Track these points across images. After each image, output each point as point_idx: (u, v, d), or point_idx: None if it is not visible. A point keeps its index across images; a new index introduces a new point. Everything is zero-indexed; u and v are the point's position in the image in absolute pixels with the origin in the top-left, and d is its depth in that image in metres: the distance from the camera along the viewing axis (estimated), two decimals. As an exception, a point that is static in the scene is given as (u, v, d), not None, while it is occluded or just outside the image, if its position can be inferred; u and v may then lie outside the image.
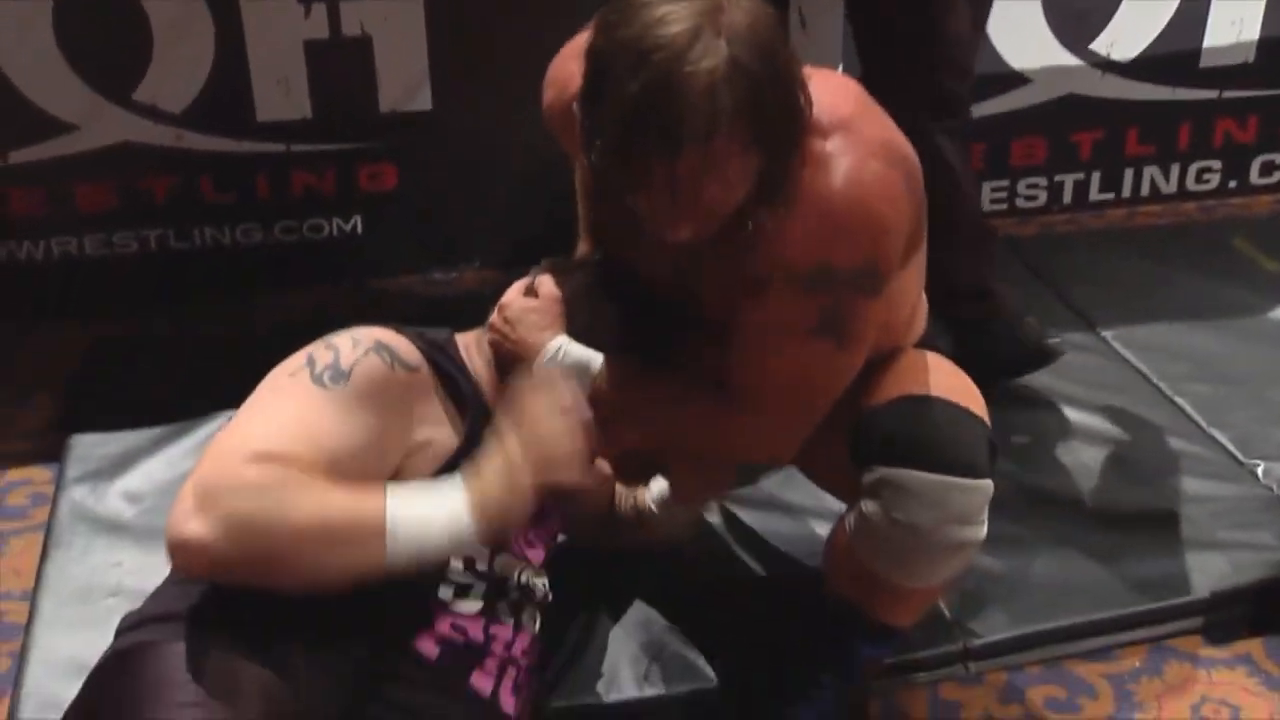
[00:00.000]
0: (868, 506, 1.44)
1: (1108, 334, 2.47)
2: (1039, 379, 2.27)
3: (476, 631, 1.33)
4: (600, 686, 1.65)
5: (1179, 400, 2.27)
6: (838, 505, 1.57)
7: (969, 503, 1.42)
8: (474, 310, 1.55)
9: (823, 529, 1.67)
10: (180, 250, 2.63)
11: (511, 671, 1.36)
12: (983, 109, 2.64)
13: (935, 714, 1.70)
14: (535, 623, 1.44)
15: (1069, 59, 2.84)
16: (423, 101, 2.60)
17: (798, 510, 1.92)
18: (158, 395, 2.24)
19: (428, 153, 2.66)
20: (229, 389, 1.40)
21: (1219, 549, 1.90)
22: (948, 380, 1.51)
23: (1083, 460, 2.12)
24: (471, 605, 1.34)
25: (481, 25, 2.55)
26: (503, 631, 1.36)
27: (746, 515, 1.93)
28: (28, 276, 2.58)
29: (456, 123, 2.63)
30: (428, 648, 1.29)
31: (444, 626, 1.31)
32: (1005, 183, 2.97)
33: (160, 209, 2.60)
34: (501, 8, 2.53)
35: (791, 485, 1.91)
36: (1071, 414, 2.23)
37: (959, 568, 1.48)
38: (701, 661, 1.67)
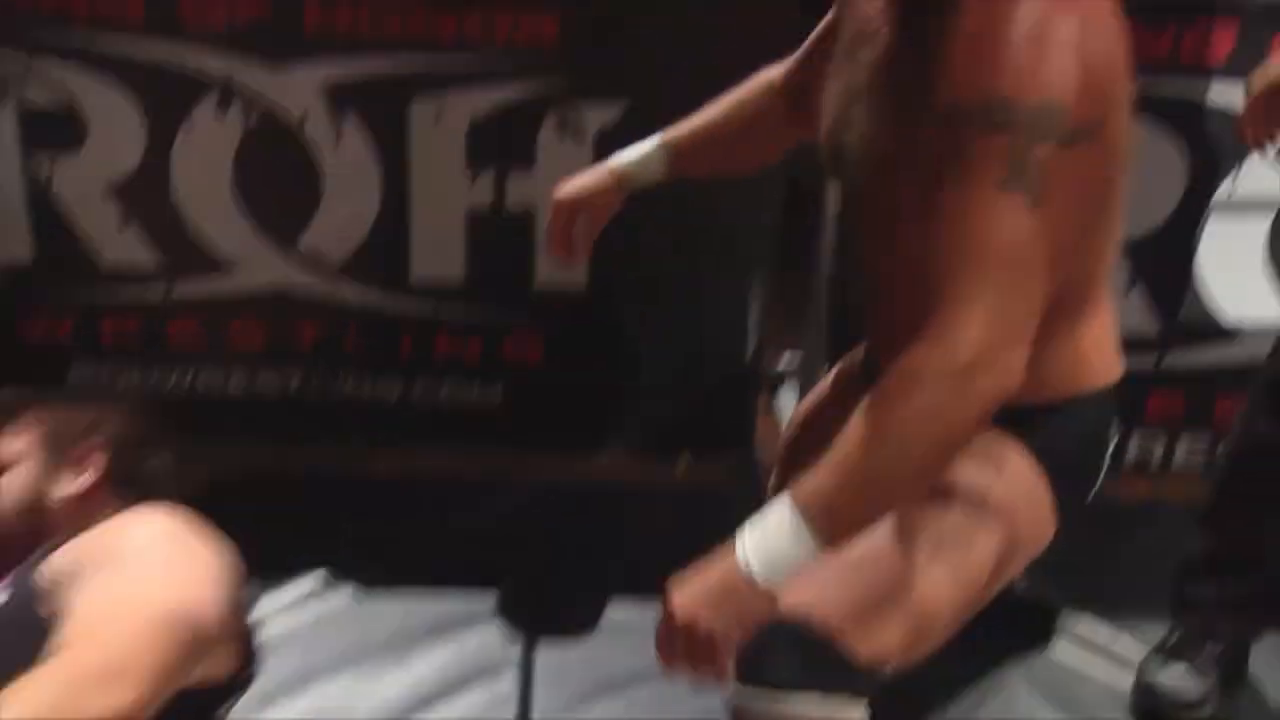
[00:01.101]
0: None
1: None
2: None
3: None
4: None
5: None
6: None
7: None
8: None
9: None
10: (320, 396, 2.62)
11: None
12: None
13: None
14: None
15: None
16: (578, 280, 2.53)
17: None
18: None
19: (577, 331, 2.58)
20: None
21: None
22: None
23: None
24: None
25: (641, 210, 2.47)
26: None
27: None
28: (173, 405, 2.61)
29: (608, 304, 2.55)
30: None
31: None
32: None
33: (306, 354, 2.60)
34: (660, 198, 2.45)
35: None
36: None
37: None
38: None
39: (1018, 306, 1.17)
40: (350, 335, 2.59)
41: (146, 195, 2.45)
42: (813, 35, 1.59)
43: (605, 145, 2.20)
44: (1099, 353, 1.42)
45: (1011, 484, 1.37)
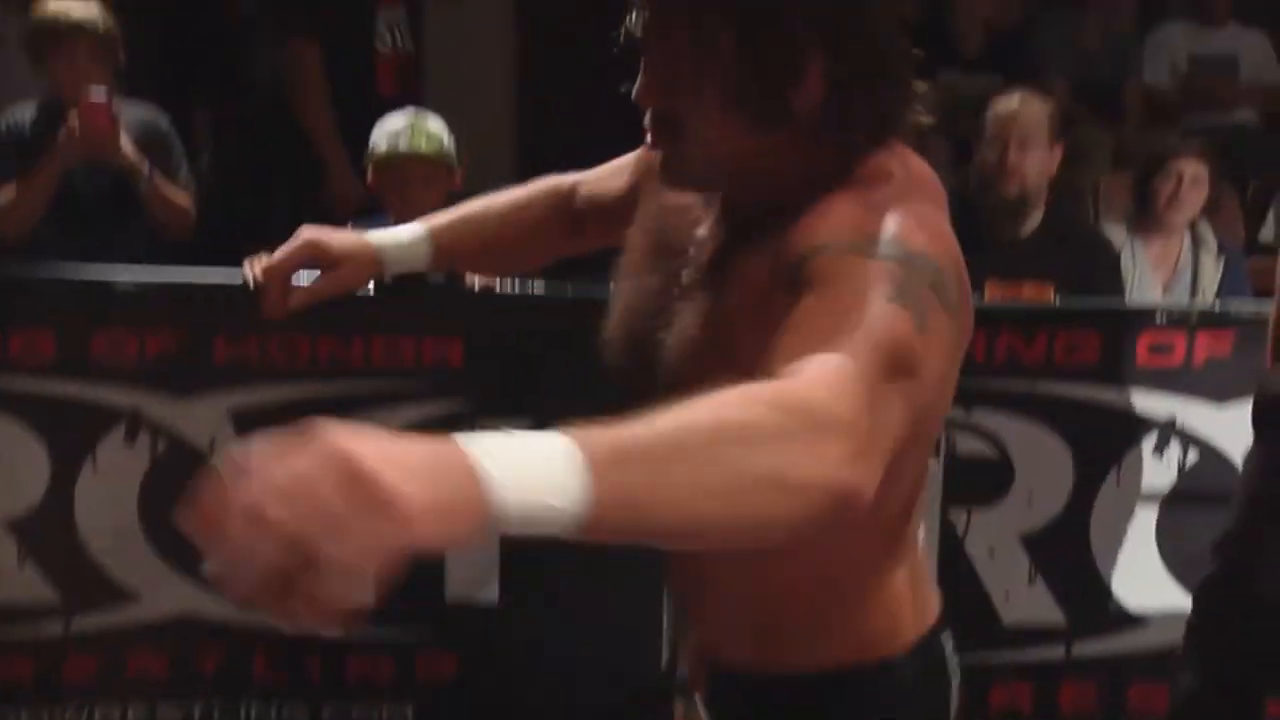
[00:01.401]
0: None
1: None
2: None
3: None
4: None
5: None
6: None
7: None
8: None
9: None
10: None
11: None
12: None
13: None
14: None
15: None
16: (489, 595, 2.52)
17: None
18: None
19: (490, 646, 2.55)
20: None
21: None
22: None
23: None
24: None
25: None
26: None
27: None
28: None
29: (522, 618, 2.53)
30: None
31: None
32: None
33: (210, 681, 2.52)
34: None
35: None
36: None
37: None
38: None
39: (890, 415, 0.97)
40: (257, 659, 2.53)
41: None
42: (610, 180, 1.53)
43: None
44: (915, 598, 1.29)
45: None
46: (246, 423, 2.40)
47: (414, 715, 2.57)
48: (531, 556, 2.47)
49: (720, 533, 0.91)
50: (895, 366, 0.98)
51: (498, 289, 2.42)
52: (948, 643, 1.32)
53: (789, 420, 0.89)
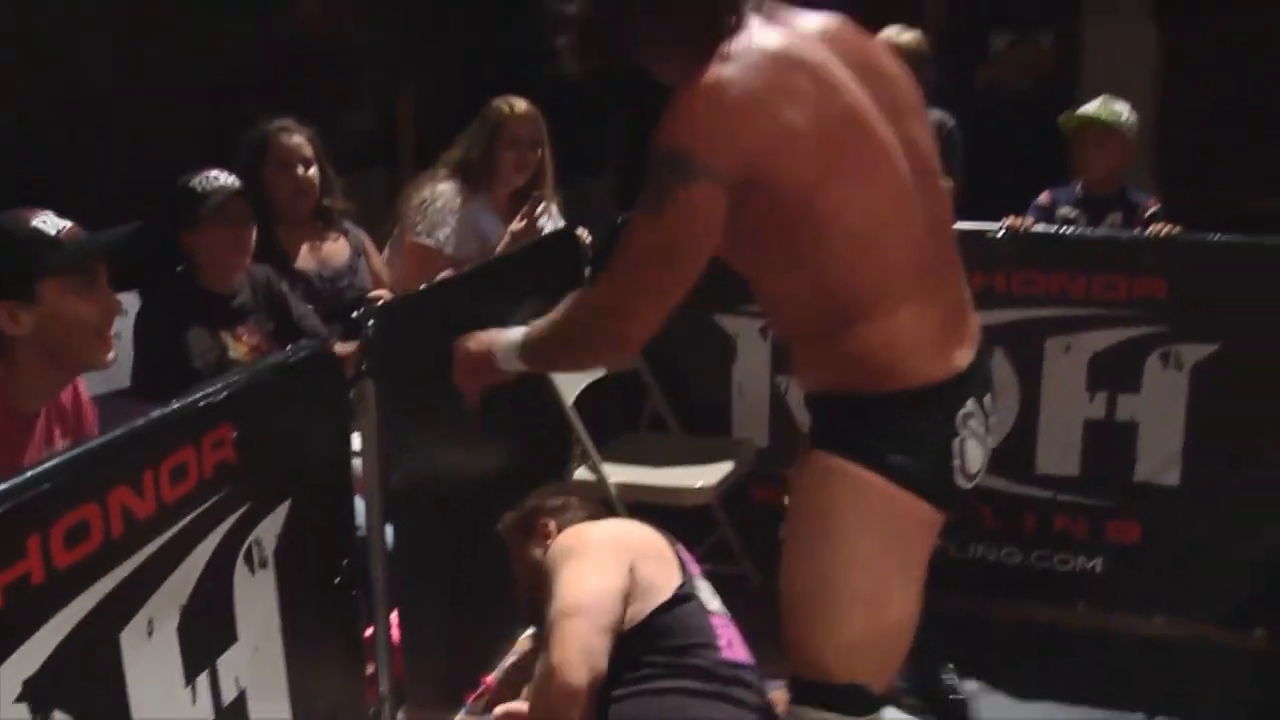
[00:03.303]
0: None
1: None
2: None
3: None
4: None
5: None
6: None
7: None
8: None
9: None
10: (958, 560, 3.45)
11: None
12: None
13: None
14: None
15: None
16: (1172, 478, 3.22)
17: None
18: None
19: (1170, 519, 3.25)
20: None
21: None
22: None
23: None
24: None
25: (1240, 415, 3.13)
26: None
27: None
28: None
29: (1200, 498, 3.21)
30: None
31: None
32: None
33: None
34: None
35: None
36: None
37: None
38: None
39: (632, 293, 1.85)
40: (985, 511, 3.41)
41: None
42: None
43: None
44: (890, 355, 1.81)
45: (860, 501, 1.82)
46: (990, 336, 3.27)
47: (1103, 568, 3.34)
48: (1212, 450, 3.17)
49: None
50: (633, 262, 1.84)
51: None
52: (928, 402, 1.84)
53: (584, 311, 1.99)
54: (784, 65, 1.77)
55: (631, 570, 2.18)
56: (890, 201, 1.83)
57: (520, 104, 3.54)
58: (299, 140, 3.21)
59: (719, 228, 1.78)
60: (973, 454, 1.90)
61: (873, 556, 1.86)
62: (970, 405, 1.90)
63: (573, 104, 4.07)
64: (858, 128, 1.81)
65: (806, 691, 1.93)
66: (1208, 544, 3.22)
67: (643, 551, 2.25)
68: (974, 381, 1.93)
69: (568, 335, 2.02)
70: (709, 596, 2.28)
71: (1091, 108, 3.56)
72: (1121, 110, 3.53)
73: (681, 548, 2.36)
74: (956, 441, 1.87)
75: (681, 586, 2.21)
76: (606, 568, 2.17)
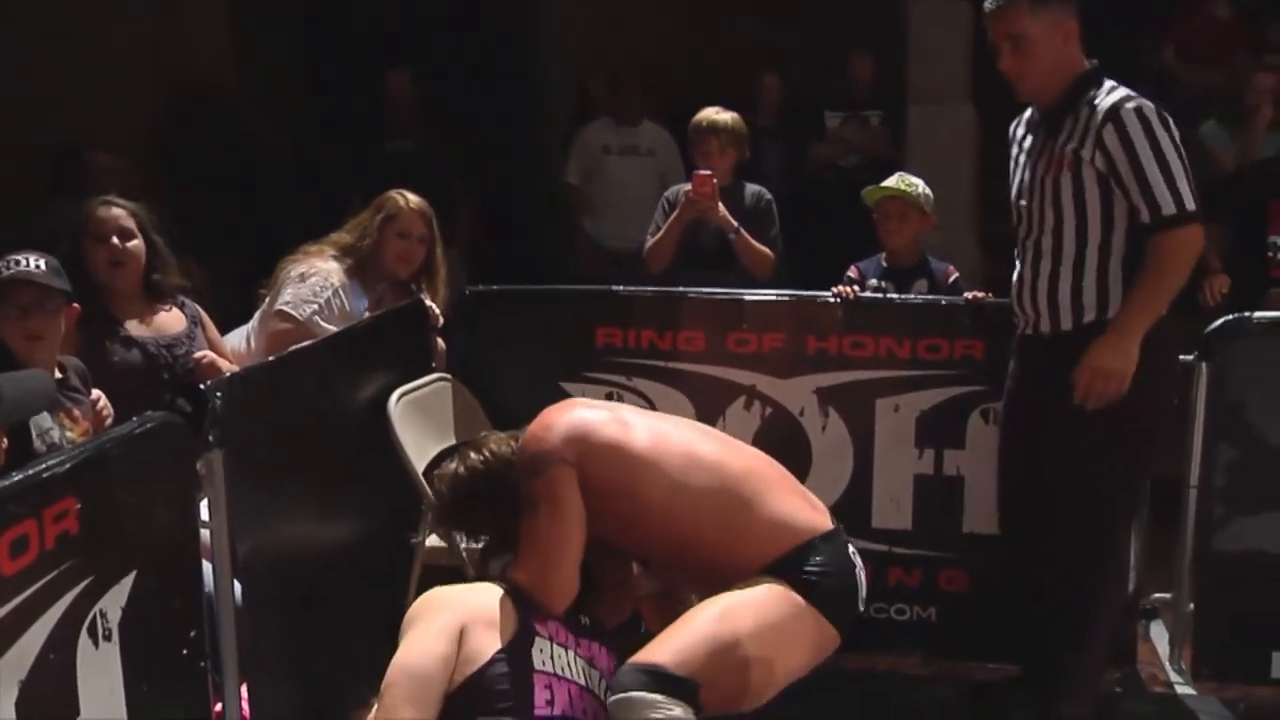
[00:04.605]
0: None
1: None
2: None
3: None
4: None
5: None
6: None
7: None
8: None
9: None
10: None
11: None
12: None
13: None
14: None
15: None
16: (994, 528, 3.41)
17: None
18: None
19: (996, 567, 3.43)
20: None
21: None
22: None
23: None
24: None
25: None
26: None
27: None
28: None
29: (1020, 546, 3.39)
30: None
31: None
32: None
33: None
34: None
35: None
36: None
37: None
38: None
39: (545, 566, 2.43)
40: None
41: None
42: None
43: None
44: (783, 528, 2.46)
45: (793, 610, 2.39)
46: (826, 396, 3.45)
47: (936, 616, 3.51)
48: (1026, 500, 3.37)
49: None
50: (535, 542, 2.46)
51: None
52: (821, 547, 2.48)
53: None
54: None
55: (462, 635, 2.31)
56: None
57: (414, 198, 3.64)
58: (117, 213, 3.22)
59: None
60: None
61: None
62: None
63: (420, 178, 4.17)
64: None
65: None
66: (1028, 590, 3.40)
67: (475, 619, 2.35)
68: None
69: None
70: (550, 656, 2.37)
71: (890, 182, 3.81)
72: (917, 183, 3.79)
73: (536, 609, 2.43)
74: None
75: (501, 650, 2.32)
76: (432, 634, 2.31)
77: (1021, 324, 3.10)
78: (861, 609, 2.56)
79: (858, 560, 2.54)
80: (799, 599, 2.41)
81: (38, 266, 2.77)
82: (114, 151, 5.12)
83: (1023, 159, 3.08)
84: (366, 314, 3.51)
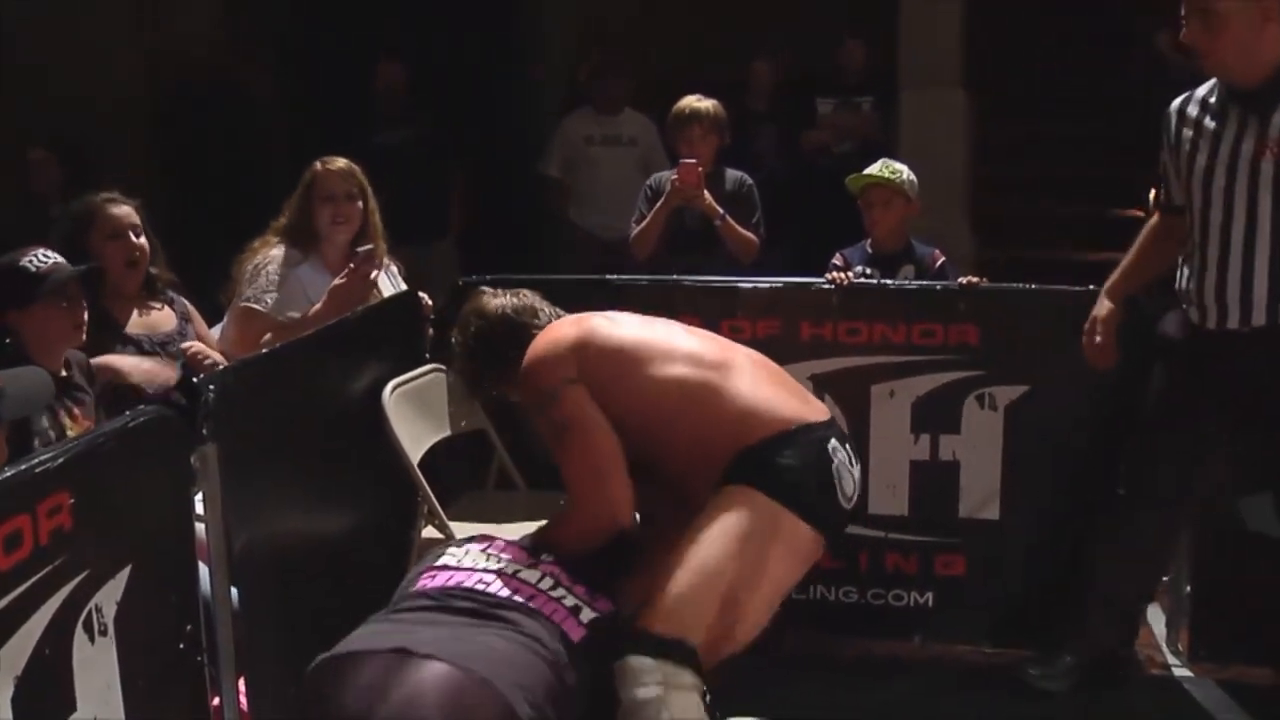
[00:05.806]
0: None
1: None
2: None
3: None
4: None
5: None
6: None
7: None
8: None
9: None
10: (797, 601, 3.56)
11: None
12: None
13: None
14: None
15: None
16: (992, 512, 3.41)
17: None
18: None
19: (992, 551, 3.44)
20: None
21: None
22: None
23: None
24: None
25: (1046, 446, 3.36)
26: None
27: None
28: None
29: (1017, 531, 3.41)
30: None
31: None
32: None
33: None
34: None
35: None
36: None
37: None
38: None
39: (599, 486, 2.51)
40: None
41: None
42: None
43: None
44: (753, 416, 2.48)
45: (764, 519, 2.40)
46: (820, 381, 3.44)
47: (934, 601, 3.51)
48: (1026, 487, 3.38)
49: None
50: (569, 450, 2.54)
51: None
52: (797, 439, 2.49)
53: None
54: None
55: None
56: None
57: (334, 160, 3.58)
58: (126, 209, 3.20)
59: None
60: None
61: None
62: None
63: (413, 169, 4.15)
64: None
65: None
66: (1026, 574, 3.41)
67: None
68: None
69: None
70: (461, 557, 2.52)
71: (873, 169, 3.79)
72: (901, 170, 3.77)
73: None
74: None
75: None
76: None
77: (1197, 318, 2.98)
78: (848, 506, 2.58)
79: (840, 455, 2.54)
80: (770, 505, 2.41)
81: (64, 260, 2.80)
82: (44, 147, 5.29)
83: (1204, 142, 2.94)
84: (327, 287, 3.43)
